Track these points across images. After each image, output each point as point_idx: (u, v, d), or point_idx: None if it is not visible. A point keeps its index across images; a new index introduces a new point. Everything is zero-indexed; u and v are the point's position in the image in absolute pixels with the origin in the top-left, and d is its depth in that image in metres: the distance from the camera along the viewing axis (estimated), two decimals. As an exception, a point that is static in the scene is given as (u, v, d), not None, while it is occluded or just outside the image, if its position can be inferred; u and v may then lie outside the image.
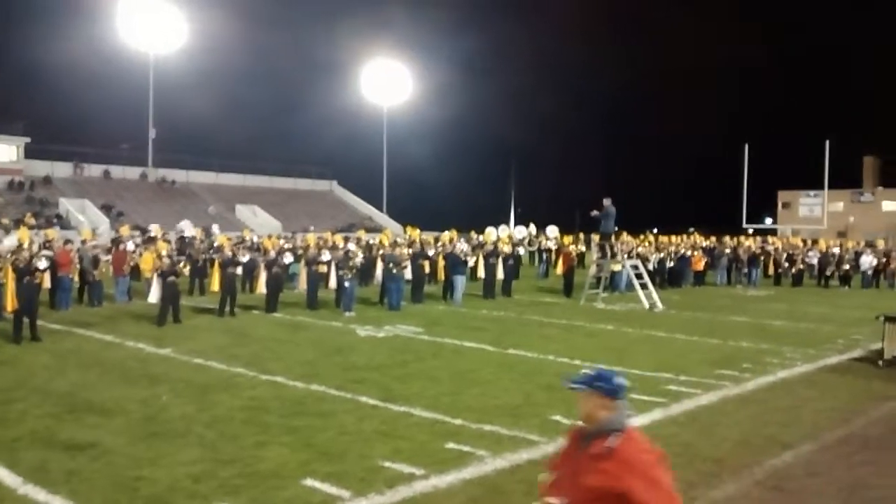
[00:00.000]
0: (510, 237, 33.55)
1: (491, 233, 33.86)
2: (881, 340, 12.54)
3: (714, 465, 7.11)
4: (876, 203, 77.09)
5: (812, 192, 70.97)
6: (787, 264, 30.02)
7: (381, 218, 60.25)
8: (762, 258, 30.53)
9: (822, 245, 32.74)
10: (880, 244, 34.05)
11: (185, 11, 52.90)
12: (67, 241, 19.74)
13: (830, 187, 39.75)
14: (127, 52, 52.46)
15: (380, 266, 21.60)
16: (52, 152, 50.03)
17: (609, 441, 3.19)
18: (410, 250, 21.82)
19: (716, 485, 6.62)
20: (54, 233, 24.36)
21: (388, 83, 64.03)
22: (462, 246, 23.30)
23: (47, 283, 17.27)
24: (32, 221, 35.85)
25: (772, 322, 17.74)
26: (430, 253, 22.88)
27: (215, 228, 30.27)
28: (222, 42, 78.69)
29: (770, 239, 39.75)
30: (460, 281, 20.93)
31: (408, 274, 20.52)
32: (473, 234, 30.79)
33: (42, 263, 15.16)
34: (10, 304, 14.03)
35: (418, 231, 29.33)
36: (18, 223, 34.05)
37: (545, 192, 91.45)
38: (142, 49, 52.20)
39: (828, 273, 29.21)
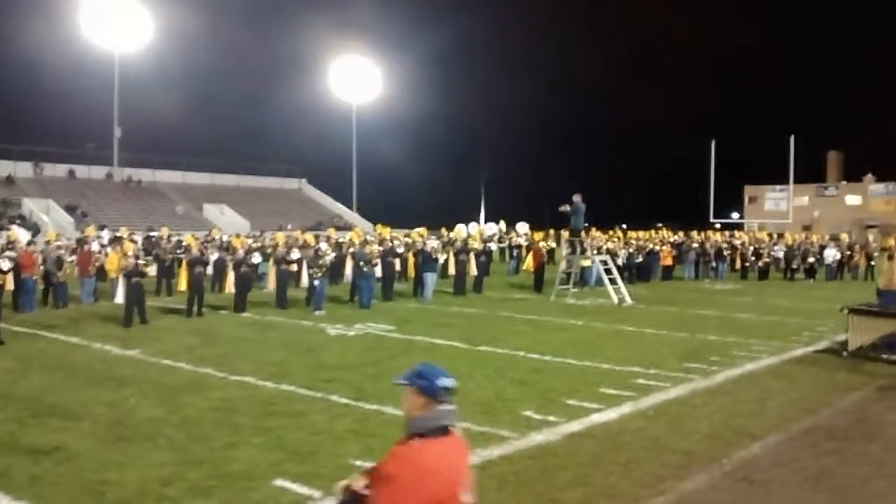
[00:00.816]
0: (480, 234, 33.62)
1: (461, 230, 33.90)
2: (845, 332, 12.73)
3: (683, 458, 7.17)
4: (839, 197, 78.34)
5: (778, 187, 72.11)
6: (753, 258, 30.45)
7: (351, 216, 60.04)
8: (729, 252, 30.93)
9: (788, 239, 33.22)
10: (844, 237, 34.62)
11: (150, 9, 52.27)
12: (31, 242, 19.42)
13: (795, 182, 40.39)
14: (91, 51, 51.72)
15: (350, 264, 21.51)
16: (14, 152, 49.18)
17: (408, 441, 2.99)
18: (380, 248, 21.75)
19: (685, 477, 6.67)
20: (17, 234, 23.95)
21: (356, 80, 63.79)
22: (432, 243, 23.29)
23: (10, 285, 16.99)
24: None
25: (739, 315, 17.95)
26: (400, 250, 22.84)
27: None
28: (188, 39, 77.78)
29: (737, 233, 40.26)
30: (430, 278, 20.90)
31: (378, 272, 20.46)
32: (444, 231, 30.77)
33: (5, 265, 14.90)
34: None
35: (388, 229, 29.27)
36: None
37: (515, 188, 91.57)
38: (106, 47, 51.50)
39: (793, 266, 29.64)
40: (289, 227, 38.95)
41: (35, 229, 36.14)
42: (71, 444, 7.44)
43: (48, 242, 20.25)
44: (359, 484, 3.12)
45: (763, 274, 29.56)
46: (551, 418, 8.41)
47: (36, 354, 12.49)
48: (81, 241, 22.07)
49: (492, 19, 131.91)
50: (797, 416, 8.72)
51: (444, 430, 2.99)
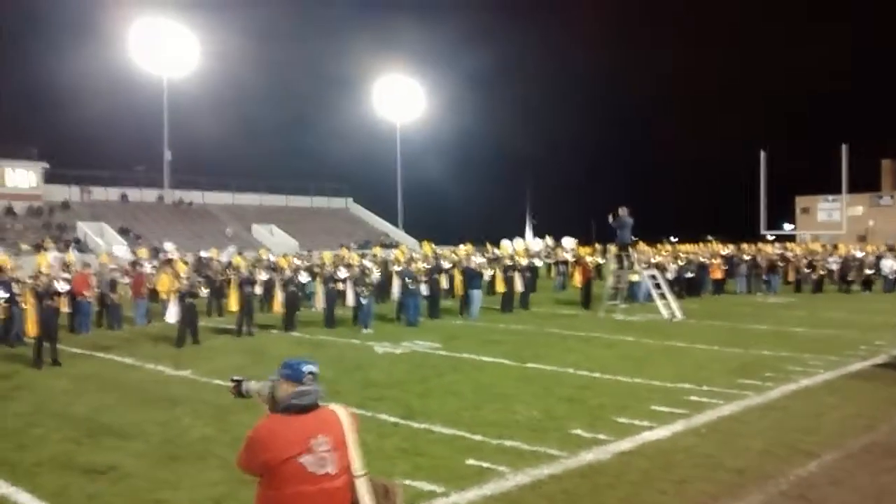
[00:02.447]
0: (526, 250, 33.48)
1: (507, 246, 33.81)
2: (904, 345, 12.39)
3: (737, 476, 7.03)
4: (895, 206, 76.35)
5: (830, 197, 70.48)
6: (807, 270, 29.75)
7: (397, 234, 60.35)
8: (782, 265, 30.29)
9: (843, 250, 32.46)
10: (901, 247, 33.69)
11: (198, 33, 53.47)
12: (86, 265, 19.88)
13: (849, 191, 39.47)
14: (140, 76, 53.07)
15: (396, 282, 21.60)
16: (69, 177, 50.57)
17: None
18: (426, 265, 21.79)
19: (740, 495, 6.53)
20: (73, 257, 24.54)
21: (400, 99, 64.34)
22: (477, 259, 23.26)
23: (66, 308, 17.38)
24: (52, 246, 36.19)
25: (793, 329, 17.57)
26: (446, 267, 22.86)
27: (230, 250, 30.34)
28: (235, 63, 79.34)
29: (789, 245, 39.47)
30: (476, 295, 20.88)
31: (424, 289, 20.48)
32: (489, 248, 30.73)
33: (61, 287, 15.27)
34: (32, 328, 14.18)
35: (432, 246, 29.33)
36: (38, 248, 34.40)
37: (561, 203, 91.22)
38: (155, 72, 52.75)
39: (849, 278, 28.91)
40: (351, 244, 39.23)
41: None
42: (125, 464, 7.58)
43: (102, 265, 20.72)
44: None
45: (817, 286, 28.89)
46: (601, 436, 8.31)
47: (91, 375, 12.77)
48: (134, 263, 22.52)
49: (535, 38, 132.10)
50: (854, 433, 8.49)
51: (302, 409, 3.46)
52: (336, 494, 3.41)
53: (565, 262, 32.61)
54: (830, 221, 68.67)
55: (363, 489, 3.49)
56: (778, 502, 6.42)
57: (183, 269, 18.56)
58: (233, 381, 3.92)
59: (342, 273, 20.25)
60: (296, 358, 3.65)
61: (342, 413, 3.57)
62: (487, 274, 22.90)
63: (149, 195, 53.95)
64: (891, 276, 28.99)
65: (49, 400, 10.77)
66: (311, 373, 3.52)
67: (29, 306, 14.79)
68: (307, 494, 3.35)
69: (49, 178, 49.45)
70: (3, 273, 16.58)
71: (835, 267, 29.87)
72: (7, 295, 15.76)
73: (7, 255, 22.64)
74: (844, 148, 36.55)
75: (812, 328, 17.72)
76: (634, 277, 23.19)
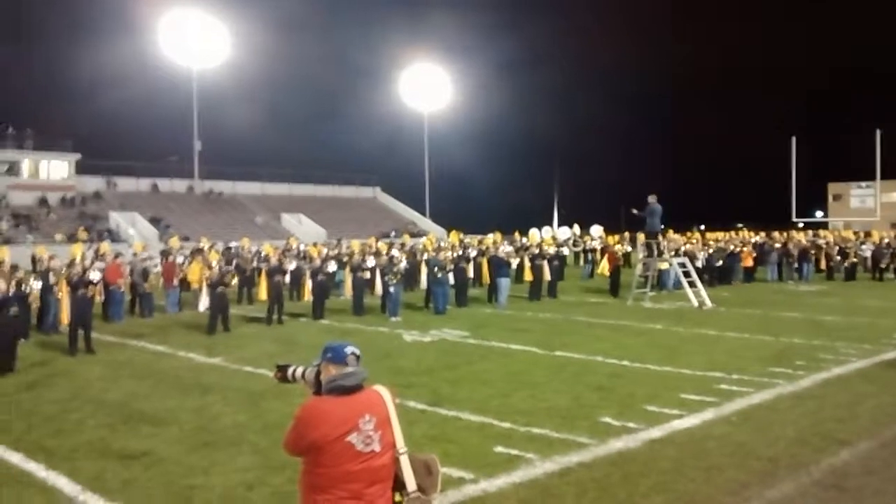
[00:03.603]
0: (554, 238, 33.37)
1: (535, 234, 33.74)
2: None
3: (769, 464, 6.98)
4: (931, 192, 74.94)
5: (864, 184, 69.49)
6: (839, 258, 29.33)
7: (425, 223, 60.43)
8: (813, 252, 29.88)
9: (876, 237, 31.95)
10: (937, 234, 33.08)
11: (227, 25, 53.78)
12: (118, 255, 20.14)
13: (883, 177, 38.75)
14: (171, 68, 53.58)
15: (424, 270, 21.64)
16: (101, 168, 51.24)
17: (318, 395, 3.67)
18: (453, 254, 21.79)
19: (772, 484, 6.49)
20: (107, 246, 24.86)
21: (427, 88, 64.28)
22: (505, 248, 23.23)
23: (99, 296, 17.63)
24: (85, 235, 36.72)
25: (825, 317, 17.36)
26: (473, 254, 22.85)
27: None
28: (264, 54, 79.94)
29: (821, 232, 38.94)
30: (504, 283, 20.86)
31: (452, 278, 20.49)
32: (517, 236, 30.68)
33: (95, 276, 15.49)
34: (66, 317, 14.41)
35: (459, 235, 29.35)
36: (71, 238, 34.92)
37: (589, 191, 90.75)
38: (185, 64, 53.16)
39: (882, 266, 28.48)
40: (392, 233, 39.22)
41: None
42: (159, 450, 7.69)
43: (135, 254, 20.97)
44: None
45: (850, 274, 28.49)
46: (630, 424, 8.28)
47: (125, 362, 12.95)
48: (166, 253, 22.76)
49: (560, 23, 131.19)
50: (889, 422, 8.38)
51: (348, 389, 3.56)
52: (381, 471, 3.54)
53: (593, 251, 32.47)
54: (864, 208, 67.70)
55: (406, 466, 3.63)
56: (810, 491, 6.37)
57: (214, 259, 18.73)
58: (277, 367, 3.99)
59: (370, 262, 20.33)
60: (337, 341, 3.74)
61: (385, 393, 3.69)
62: (515, 262, 22.86)
63: (179, 185, 54.54)
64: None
65: (84, 387, 10.94)
66: (353, 354, 3.62)
67: (63, 295, 15.04)
68: (354, 472, 3.46)
69: (81, 168, 50.17)
70: (40, 263, 16.85)
71: (867, 254, 29.43)
72: (41, 284, 16.00)
73: (43, 245, 22.98)
74: (878, 133, 35.93)
75: (844, 316, 17.50)
76: (663, 265, 23.02)
